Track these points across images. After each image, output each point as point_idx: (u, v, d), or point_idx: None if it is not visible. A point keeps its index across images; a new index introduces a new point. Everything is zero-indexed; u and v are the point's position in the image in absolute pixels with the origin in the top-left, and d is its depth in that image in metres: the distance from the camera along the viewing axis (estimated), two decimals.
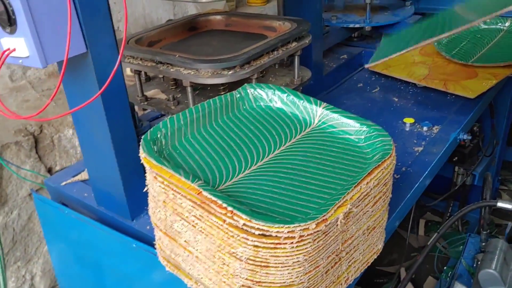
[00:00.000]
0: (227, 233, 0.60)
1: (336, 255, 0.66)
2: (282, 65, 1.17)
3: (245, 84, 0.87)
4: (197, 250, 0.67)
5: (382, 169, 0.67)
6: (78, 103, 0.81)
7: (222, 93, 1.01)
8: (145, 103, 1.04)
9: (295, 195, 0.67)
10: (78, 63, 0.80)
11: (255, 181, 0.69)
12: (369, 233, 0.72)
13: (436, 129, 1.19)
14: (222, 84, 1.01)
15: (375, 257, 0.77)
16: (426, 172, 1.02)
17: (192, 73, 0.91)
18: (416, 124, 1.21)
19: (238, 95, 0.86)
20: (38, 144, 1.56)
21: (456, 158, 1.57)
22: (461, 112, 1.25)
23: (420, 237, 2.07)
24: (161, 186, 0.68)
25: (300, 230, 0.57)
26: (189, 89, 0.93)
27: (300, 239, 0.58)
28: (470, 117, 1.23)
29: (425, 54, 1.51)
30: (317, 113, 0.82)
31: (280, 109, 0.86)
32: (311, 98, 0.83)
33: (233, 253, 0.61)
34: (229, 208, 0.59)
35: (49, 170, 1.62)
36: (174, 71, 0.93)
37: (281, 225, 0.57)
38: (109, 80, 0.76)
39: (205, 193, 0.61)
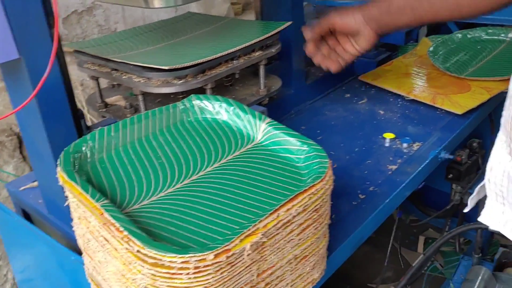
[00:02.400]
0: (126, 258, 0.56)
1: (252, 286, 0.61)
2: (255, 74, 1.13)
3: (191, 95, 0.83)
4: (107, 272, 0.63)
5: (309, 195, 0.62)
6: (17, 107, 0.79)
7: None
8: (104, 110, 1.01)
9: (214, 218, 0.62)
10: (14, 68, 0.77)
11: (176, 201, 0.65)
12: (299, 262, 0.66)
13: (416, 146, 1.11)
14: (183, 93, 0.98)
15: (311, 286, 0.71)
16: (393, 194, 0.95)
17: (143, 81, 0.87)
18: (396, 139, 1.14)
19: (182, 107, 0.81)
20: (22, 144, 1.56)
21: (451, 175, 1.48)
22: (447, 128, 1.17)
23: (419, 254, 1.98)
24: (75, 202, 0.64)
25: (196, 260, 0.52)
26: (140, 97, 0.90)
27: (197, 270, 0.53)
28: (455, 135, 1.15)
29: (420, 65, 1.43)
30: (261, 128, 0.77)
31: (226, 123, 0.81)
32: (256, 113, 0.78)
33: (134, 279, 0.57)
34: (125, 233, 0.55)
35: None
36: (126, 78, 0.90)
37: (174, 255, 0.52)
38: (38, 87, 0.73)
39: (105, 214, 0.57)
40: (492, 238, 1.89)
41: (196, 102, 0.82)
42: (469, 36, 1.48)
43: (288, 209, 0.59)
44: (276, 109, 1.25)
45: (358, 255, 1.94)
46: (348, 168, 1.04)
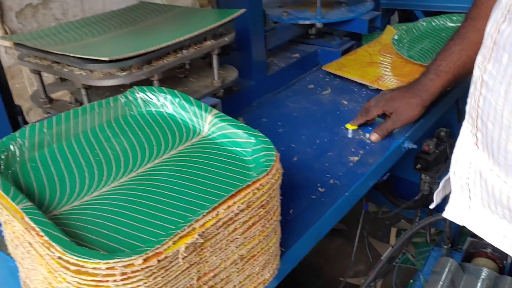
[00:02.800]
0: (51, 265, 0.51)
1: None
2: (211, 65, 1.07)
3: (134, 87, 0.77)
4: (35, 280, 0.58)
5: (253, 190, 0.57)
6: None
7: None
8: (48, 105, 0.95)
9: (151, 219, 0.57)
10: None
11: (110, 201, 0.60)
12: (246, 262, 0.62)
13: None
14: (130, 85, 0.92)
15: (262, 287, 0.67)
16: (354, 187, 0.91)
17: (84, 74, 0.82)
18: (359, 130, 1.10)
19: (124, 99, 0.76)
20: None
21: (419, 165, 1.46)
22: None
23: (390, 246, 1.96)
24: None
25: (122, 266, 0.47)
26: (83, 91, 0.84)
27: (125, 277, 0.48)
28: (419, 124, 1.12)
29: (384, 53, 1.40)
30: (207, 120, 0.72)
31: (171, 115, 0.76)
32: (202, 104, 0.73)
33: None
34: (45, 238, 0.49)
35: None
36: (67, 71, 0.84)
37: (98, 260, 0.47)
38: None
39: (26, 218, 0.52)
40: (463, 228, 1.88)
41: (139, 94, 0.77)
42: (433, 23, 1.46)
43: (229, 206, 0.55)
44: (236, 102, 1.21)
45: (330, 249, 1.92)
46: (309, 161, 1.00)
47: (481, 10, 0.89)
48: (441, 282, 1.04)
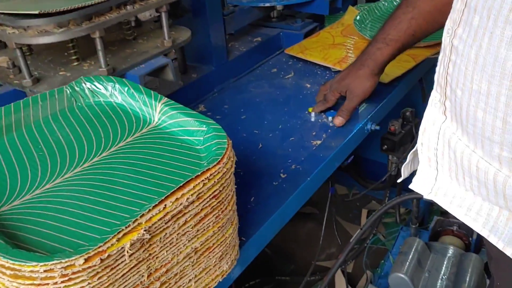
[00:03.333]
0: None
1: None
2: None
3: (80, 77, 0.74)
4: None
5: (203, 181, 0.55)
6: None
7: (74, 57, 0.88)
8: None
9: (96, 215, 0.54)
10: None
11: (53, 198, 0.57)
12: (201, 255, 0.60)
13: None
14: (74, 47, 0.88)
15: (221, 279, 0.65)
16: (316, 171, 0.90)
17: (18, 32, 0.76)
18: (322, 113, 1.09)
19: (70, 90, 0.72)
20: None
21: (385, 146, 1.46)
22: (373, 99, 1.13)
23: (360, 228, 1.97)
24: None
25: (62, 267, 0.45)
26: (18, 52, 0.79)
27: (66, 278, 0.45)
28: (381, 104, 1.11)
29: (347, 34, 1.38)
30: (157, 109, 0.69)
31: (121, 106, 0.73)
32: (152, 92, 0.70)
33: None
34: None
35: None
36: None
37: (35, 263, 0.44)
38: None
39: None
40: (432, 206, 1.90)
41: (86, 84, 0.73)
42: (395, 3, 1.45)
43: (177, 199, 0.53)
44: (197, 89, 1.18)
45: (302, 234, 1.92)
46: (271, 147, 0.98)
47: None
48: (407, 262, 1.04)
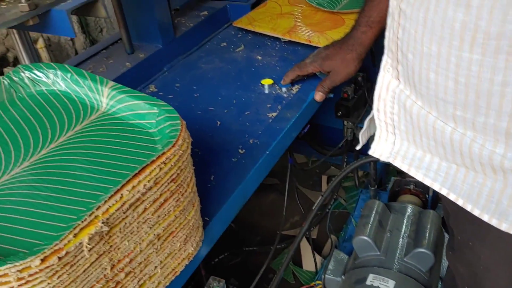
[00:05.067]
0: None
1: (109, 281, 0.52)
2: None
3: (18, 66, 0.69)
4: None
5: (159, 165, 0.53)
6: None
7: None
8: None
9: (50, 211, 0.52)
10: None
11: (2, 197, 0.54)
12: (164, 241, 0.58)
13: (296, 89, 1.06)
14: None
15: (187, 262, 0.64)
16: (274, 144, 0.89)
17: None
18: (275, 85, 1.08)
19: (8, 81, 0.68)
20: None
21: (340, 112, 1.47)
22: None
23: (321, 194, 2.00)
24: None
25: (17, 271, 0.42)
26: None
27: (23, 282, 0.43)
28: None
29: (293, 3, 1.36)
30: (104, 94, 0.66)
31: (65, 93, 0.69)
32: (97, 77, 0.67)
33: None
34: None
35: None
36: None
37: None
38: None
39: None
40: (389, 167, 1.95)
41: (25, 73, 0.69)
42: None
43: (133, 187, 0.51)
44: (145, 69, 1.14)
45: (265, 204, 1.93)
46: (227, 123, 0.97)
47: None
48: (370, 225, 1.06)
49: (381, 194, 1.49)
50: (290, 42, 1.23)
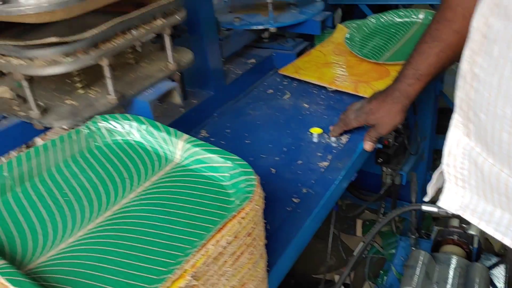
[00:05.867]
0: None
1: None
2: (163, 49, 1.02)
3: (96, 116, 0.73)
4: None
5: (239, 220, 0.56)
6: None
7: (79, 85, 0.86)
8: None
9: (137, 262, 0.54)
10: None
11: (89, 246, 0.56)
12: None
13: (345, 139, 1.09)
14: (78, 75, 0.87)
15: None
16: (328, 194, 0.91)
17: (24, 63, 0.75)
18: (325, 134, 1.10)
19: (87, 131, 0.72)
20: None
21: (380, 159, 1.49)
22: None
23: (358, 238, 2.00)
24: None
25: None
26: (24, 83, 0.77)
27: None
28: None
29: (338, 53, 1.41)
30: (178, 146, 0.69)
31: (140, 144, 0.73)
32: (171, 130, 0.70)
33: None
34: None
35: None
36: (4, 62, 0.77)
37: None
38: None
39: (3, 280, 0.48)
40: (424, 213, 1.94)
41: (102, 123, 0.73)
42: (382, 20, 1.48)
43: (217, 241, 0.53)
44: (197, 114, 1.18)
45: None
46: (279, 171, 0.99)
47: (457, 12, 0.89)
48: (416, 276, 1.06)
49: (421, 242, 1.48)
50: (336, 91, 1.26)
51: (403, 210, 1.22)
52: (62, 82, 0.92)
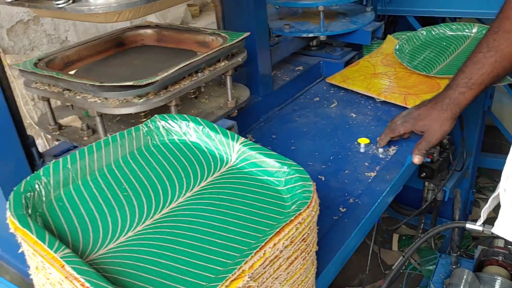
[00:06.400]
0: None
1: None
2: (220, 84, 1.06)
3: (155, 115, 0.75)
4: None
5: (296, 225, 0.56)
6: None
7: (143, 120, 0.89)
8: (57, 132, 0.92)
9: (193, 259, 0.55)
10: None
11: (147, 241, 0.58)
12: None
13: (393, 150, 1.08)
14: (144, 111, 0.89)
15: None
16: (375, 205, 0.90)
17: (99, 101, 0.79)
18: (372, 145, 1.09)
19: (146, 129, 0.74)
20: None
21: (424, 174, 1.46)
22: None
23: (394, 252, 1.97)
24: (30, 251, 0.56)
25: None
26: (98, 119, 0.81)
27: None
28: None
29: (387, 64, 1.39)
30: (234, 149, 0.70)
31: (196, 144, 0.74)
32: (228, 132, 0.71)
33: None
34: None
35: None
36: (80, 99, 0.81)
37: None
38: None
39: (67, 267, 0.49)
40: (464, 232, 1.89)
41: (161, 123, 0.75)
42: (433, 32, 1.46)
43: (274, 244, 0.53)
44: (244, 119, 1.18)
45: None
46: (326, 179, 0.99)
47: None
48: None
49: (462, 261, 1.44)
50: (384, 102, 1.25)
51: (446, 227, 1.20)
52: (126, 115, 0.94)
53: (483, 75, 0.96)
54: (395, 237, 1.96)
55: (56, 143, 0.97)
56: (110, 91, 0.77)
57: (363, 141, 1.09)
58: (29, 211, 0.59)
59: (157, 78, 0.77)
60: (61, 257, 0.50)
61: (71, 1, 0.73)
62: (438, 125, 1.02)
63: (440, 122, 1.01)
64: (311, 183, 0.62)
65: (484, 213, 0.76)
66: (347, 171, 1.01)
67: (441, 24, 1.48)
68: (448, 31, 1.46)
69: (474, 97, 1.00)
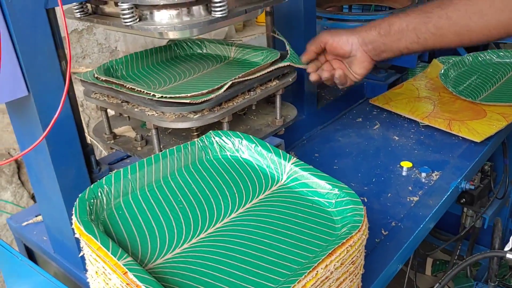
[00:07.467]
0: None
1: None
2: (268, 102, 1.08)
3: (210, 131, 0.78)
4: None
5: (347, 247, 0.57)
6: (26, 145, 0.75)
7: (195, 133, 0.92)
8: (112, 141, 0.96)
9: (246, 274, 0.57)
10: (22, 105, 0.72)
11: (201, 253, 0.60)
12: None
13: (436, 175, 1.08)
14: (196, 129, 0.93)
15: None
16: (418, 230, 0.91)
17: (156, 115, 0.83)
18: (414, 168, 1.10)
19: (201, 144, 0.77)
20: (21, 169, 1.50)
21: (464, 200, 1.45)
22: (465, 156, 1.14)
23: (427, 277, 1.94)
24: (92, 256, 0.59)
25: None
26: (153, 131, 0.85)
27: None
28: (474, 163, 1.11)
29: (431, 88, 1.39)
30: (286, 169, 0.72)
31: (247, 161, 0.76)
32: (280, 152, 0.73)
33: None
34: None
35: (33, 197, 1.56)
36: (138, 111, 0.85)
37: None
38: (50, 126, 0.68)
39: (130, 275, 0.52)
40: (501, 260, 1.85)
41: (215, 139, 0.78)
42: (480, 58, 1.46)
43: (326, 265, 0.55)
44: (287, 136, 1.21)
45: None
46: (368, 201, 1.00)
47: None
48: None
49: None
50: (427, 126, 1.25)
51: (486, 255, 1.18)
52: (178, 129, 0.98)
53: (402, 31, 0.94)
54: (429, 261, 1.93)
55: (106, 152, 1.01)
56: (167, 106, 0.80)
57: (406, 164, 1.10)
58: (92, 217, 0.62)
59: (212, 96, 0.80)
60: (123, 264, 0.53)
61: (137, 20, 0.77)
62: (338, 32, 1.01)
63: (343, 33, 1.00)
64: (362, 206, 0.63)
65: None
66: (389, 194, 1.01)
67: (488, 51, 1.47)
68: (495, 58, 1.45)
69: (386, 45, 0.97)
